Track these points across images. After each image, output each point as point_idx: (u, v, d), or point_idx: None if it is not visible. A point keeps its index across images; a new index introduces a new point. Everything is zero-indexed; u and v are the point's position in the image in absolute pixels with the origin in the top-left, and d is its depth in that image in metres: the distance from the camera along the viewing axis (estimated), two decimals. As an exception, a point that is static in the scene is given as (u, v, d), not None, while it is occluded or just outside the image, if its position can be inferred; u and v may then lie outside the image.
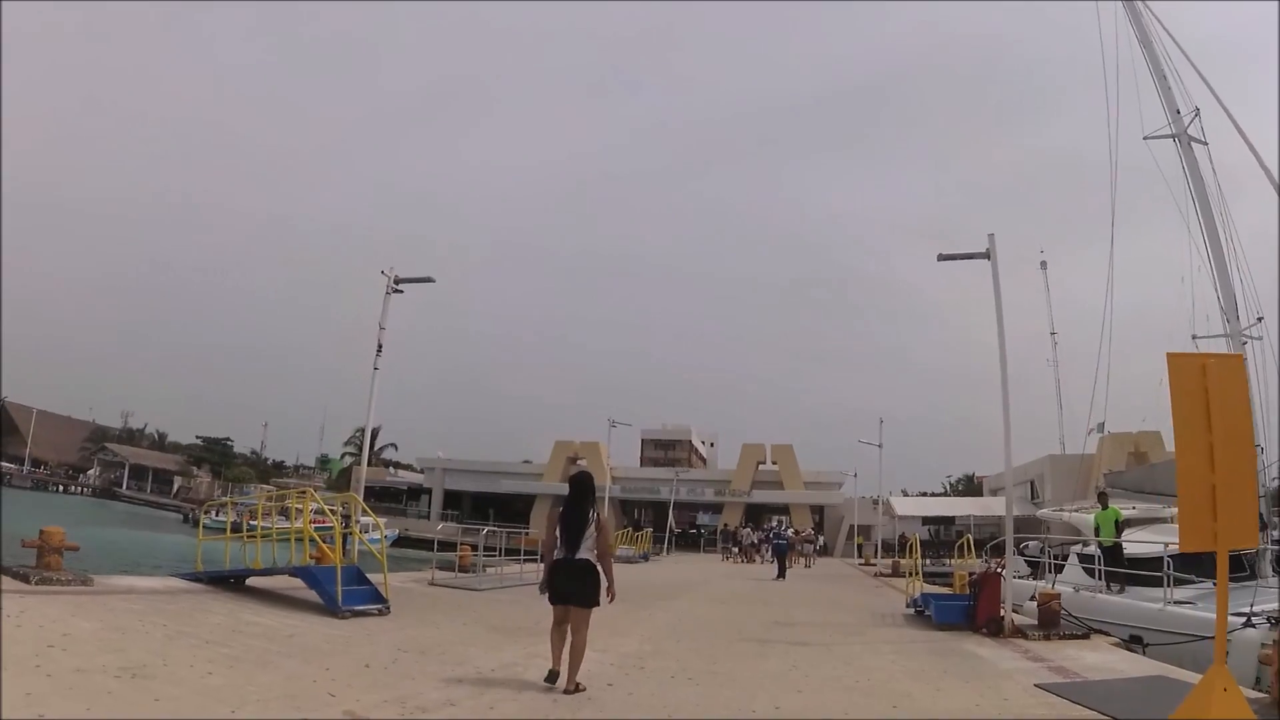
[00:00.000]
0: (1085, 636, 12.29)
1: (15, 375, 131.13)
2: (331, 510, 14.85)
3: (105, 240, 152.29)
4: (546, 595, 7.38)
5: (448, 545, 22.54)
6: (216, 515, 30.67)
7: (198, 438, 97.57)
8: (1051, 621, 12.53)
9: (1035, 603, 14.96)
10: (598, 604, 7.26)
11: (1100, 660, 10.31)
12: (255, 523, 13.12)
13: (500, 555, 19.42)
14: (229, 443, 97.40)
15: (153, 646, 7.49)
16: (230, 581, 12.14)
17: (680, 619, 13.55)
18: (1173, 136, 22.76)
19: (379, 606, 11.35)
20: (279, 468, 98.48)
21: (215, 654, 7.56)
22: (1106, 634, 12.92)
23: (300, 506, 13.34)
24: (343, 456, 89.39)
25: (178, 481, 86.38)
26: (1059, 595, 13.31)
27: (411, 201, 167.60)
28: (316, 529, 12.37)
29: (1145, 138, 23.67)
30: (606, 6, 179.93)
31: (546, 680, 7.12)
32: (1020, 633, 12.17)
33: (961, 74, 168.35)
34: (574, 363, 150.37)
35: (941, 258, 14.44)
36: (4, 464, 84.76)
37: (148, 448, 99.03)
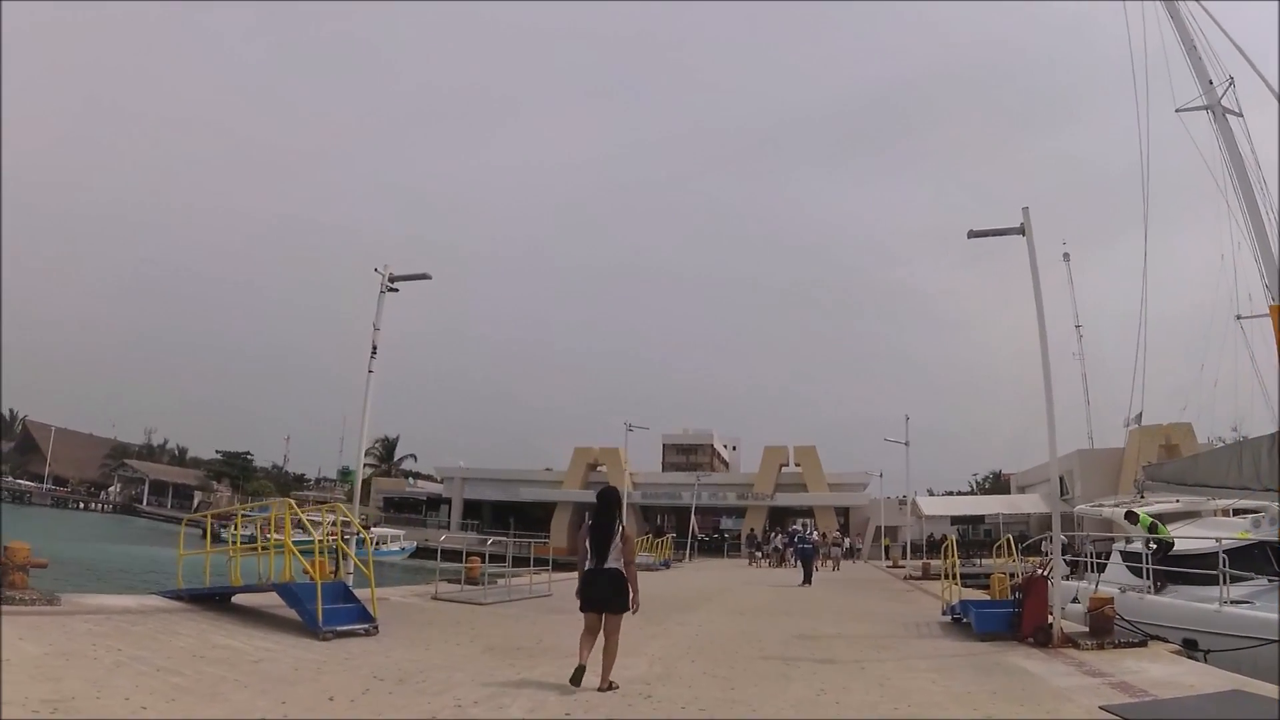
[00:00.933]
0: (1143, 644, 11.14)
1: (39, 391, 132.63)
2: (314, 522, 13.92)
3: (122, 248, 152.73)
4: (579, 603, 7.82)
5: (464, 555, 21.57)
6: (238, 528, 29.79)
7: (218, 452, 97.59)
8: (1105, 628, 11.40)
9: (1078, 604, 13.92)
10: (628, 609, 7.76)
11: (1166, 673, 9.15)
12: (261, 535, 12.26)
13: (509, 565, 18.39)
14: (249, 457, 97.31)
15: (94, 675, 6.74)
16: (216, 599, 11.30)
17: (696, 634, 12.35)
18: (1206, 108, 21.76)
19: (365, 626, 10.43)
20: (300, 480, 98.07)
21: (161, 684, 6.75)
22: (1164, 640, 11.82)
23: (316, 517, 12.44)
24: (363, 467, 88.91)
25: (198, 496, 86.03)
26: (1112, 599, 12.17)
27: (428, 209, 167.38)
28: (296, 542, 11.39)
29: (1178, 110, 22.64)
30: (611, 10, 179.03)
31: (571, 680, 7.44)
32: (1071, 642, 11.02)
33: (972, 79, 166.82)
34: (592, 369, 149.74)
35: (972, 234, 13.37)
36: (24, 482, 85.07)
37: (168, 463, 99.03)
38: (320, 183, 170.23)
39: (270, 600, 11.22)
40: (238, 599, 11.54)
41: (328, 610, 10.13)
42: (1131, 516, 16.85)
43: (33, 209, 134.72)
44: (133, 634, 8.69)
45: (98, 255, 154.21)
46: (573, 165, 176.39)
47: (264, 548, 11.82)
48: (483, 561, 18.29)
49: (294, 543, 10.90)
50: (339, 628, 10.02)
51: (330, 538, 13.46)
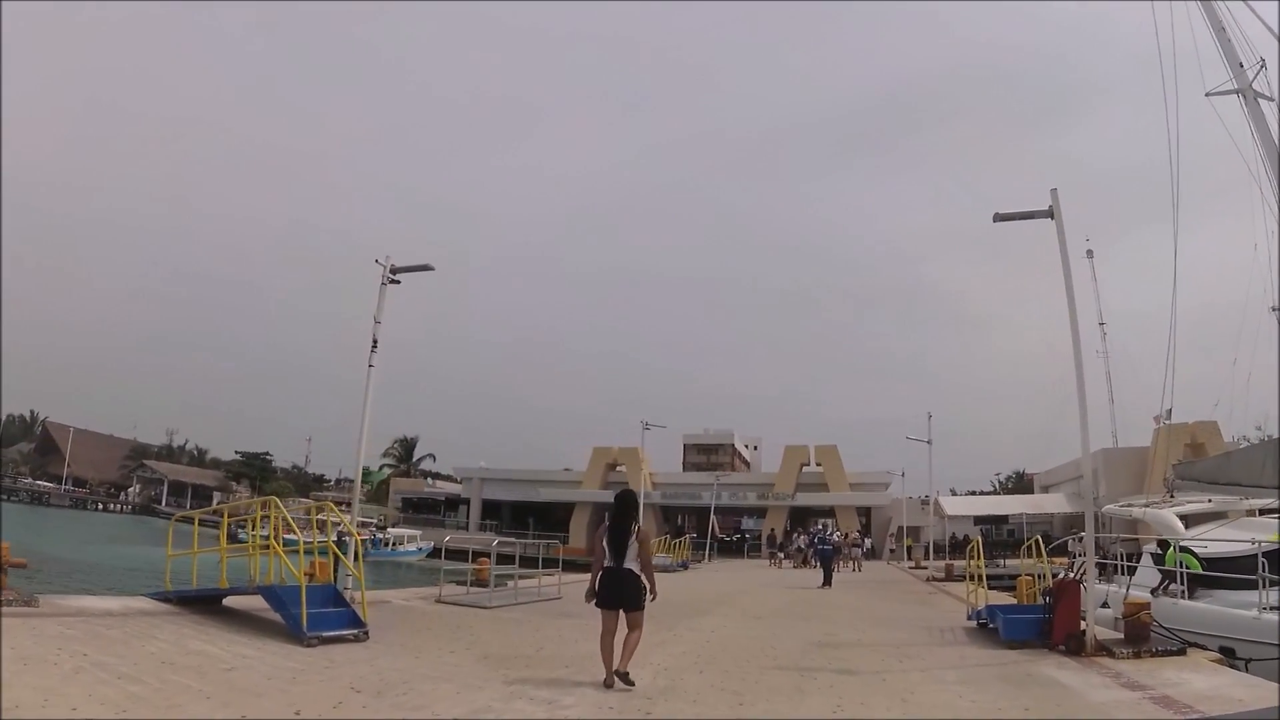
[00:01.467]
0: (1181, 652, 10.42)
1: (62, 394, 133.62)
2: (302, 521, 13.38)
3: (147, 256, 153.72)
4: (594, 601, 8.00)
5: (476, 555, 21.05)
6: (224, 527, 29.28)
7: (237, 453, 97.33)
8: (1141, 636, 10.71)
9: (1108, 609, 13.21)
10: (643, 607, 7.96)
11: (1210, 685, 8.44)
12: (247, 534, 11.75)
13: (516, 565, 17.79)
14: (268, 457, 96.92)
15: (48, 682, 6.28)
16: (206, 602, 10.77)
17: (707, 641, 11.61)
18: (1237, 92, 21.05)
19: (355, 631, 9.86)
20: (320, 481, 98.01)
21: (118, 693, 6.26)
22: (1203, 647, 11.11)
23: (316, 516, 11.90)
24: (381, 468, 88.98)
25: (217, 497, 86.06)
26: (1148, 604, 11.46)
27: (442, 215, 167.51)
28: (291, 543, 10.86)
29: (1208, 94, 21.94)
30: (614, 13, 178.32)
31: (605, 686, 7.62)
32: (1105, 650, 10.31)
33: (976, 80, 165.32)
34: (611, 372, 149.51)
35: (998, 218, 12.66)
36: (43, 483, 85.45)
37: (187, 464, 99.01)
38: (338, 188, 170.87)
39: (257, 603, 10.65)
40: (231, 601, 11.01)
41: (315, 615, 9.58)
42: (1163, 544, 16.14)
43: (46, 212, 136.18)
44: (105, 638, 8.21)
45: (122, 258, 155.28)
46: (587, 169, 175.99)
47: (256, 548, 11.26)
48: (491, 562, 17.69)
49: (290, 544, 10.43)
50: (325, 633, 9.45)
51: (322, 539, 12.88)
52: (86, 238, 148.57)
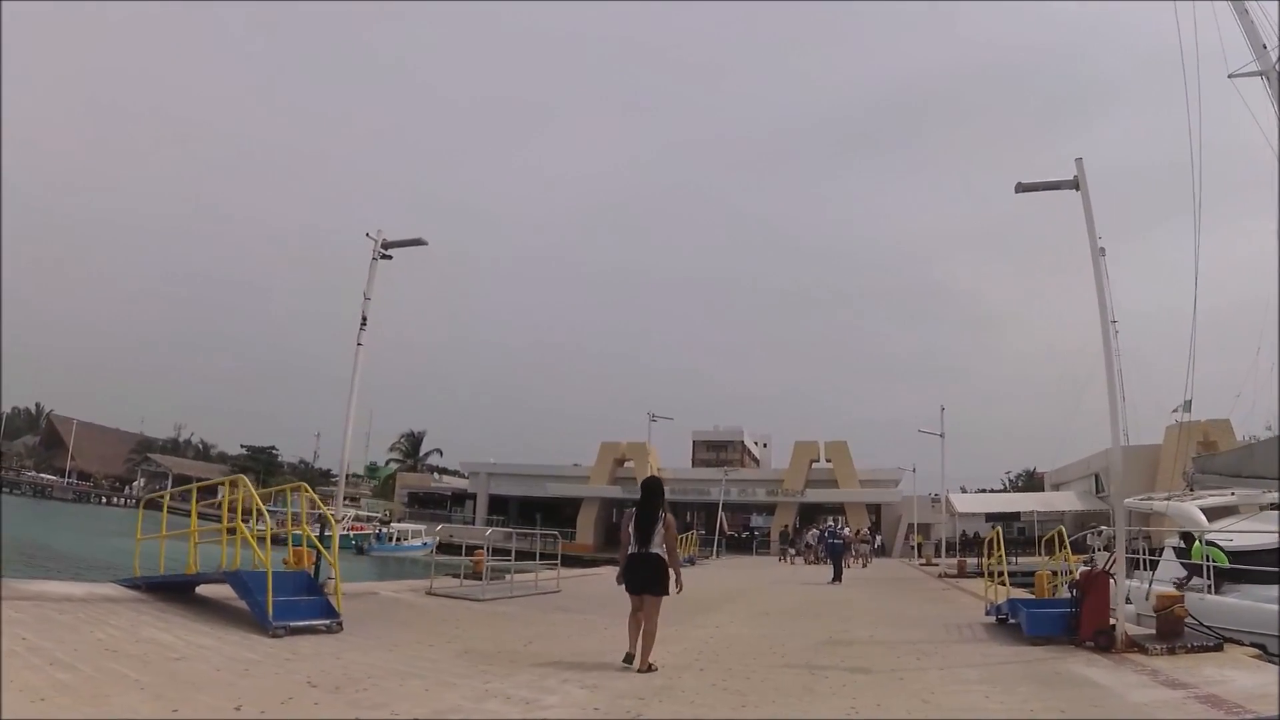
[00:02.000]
0: (1218, 648, 9.65)
1: (70, 391, 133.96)
2: (275, 511, 12.75)
3: (158, 255, 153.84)
4: (624, 585, 8.21)
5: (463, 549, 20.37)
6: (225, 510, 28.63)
7: (243, 447, 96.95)
8: (1175, 631, 9.95)
9: (1130, 605, 12.51)
10: (668, 593, 8.11)
11: (1256, 683, 7.63)
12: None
13: (512, 558, 17.14)
14: (274, 452, 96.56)
15: None
16: (177, 589, 10.08)
17: (711, 639, 10.75)
18: (1260, 74, 20.39)
19: (327, 622, 9.15)
20: (326, 476, 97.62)
21: (44, 680, 5.65)
22: (1238, 643, 10.36)
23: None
24: (388, 463, 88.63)
25: (221, 491, 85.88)
26: (1182, 598, 10.70)
27: (451, 216, 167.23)
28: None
29: (1231, 75, 21.29)
30: (621, 14, 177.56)
31: (624, 661, 7.90)
32: (1136, 646, 9.55)
33: (992, 80, 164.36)
34: (622, 373, 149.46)
35: (1020, 188, 11.90)
36: (46, 476, 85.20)
37: (192, 458, 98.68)
38: (342, 188, 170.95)
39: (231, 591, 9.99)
40: (206, 590, 10.31)
41: (284, 603, 8.89)
42: (1187, 538, 15.45)
43: (52, 212, 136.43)
44: (54, 623, 7.58)
45: (125, 257, 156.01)
46: (589, 171, 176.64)
47: (225, 532, 10.57)
48: (486, 554, 17.02)
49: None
50: (293, 623, 8.74)
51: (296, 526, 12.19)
52: (95, 238, 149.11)
